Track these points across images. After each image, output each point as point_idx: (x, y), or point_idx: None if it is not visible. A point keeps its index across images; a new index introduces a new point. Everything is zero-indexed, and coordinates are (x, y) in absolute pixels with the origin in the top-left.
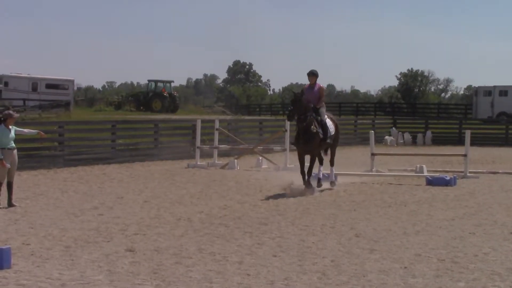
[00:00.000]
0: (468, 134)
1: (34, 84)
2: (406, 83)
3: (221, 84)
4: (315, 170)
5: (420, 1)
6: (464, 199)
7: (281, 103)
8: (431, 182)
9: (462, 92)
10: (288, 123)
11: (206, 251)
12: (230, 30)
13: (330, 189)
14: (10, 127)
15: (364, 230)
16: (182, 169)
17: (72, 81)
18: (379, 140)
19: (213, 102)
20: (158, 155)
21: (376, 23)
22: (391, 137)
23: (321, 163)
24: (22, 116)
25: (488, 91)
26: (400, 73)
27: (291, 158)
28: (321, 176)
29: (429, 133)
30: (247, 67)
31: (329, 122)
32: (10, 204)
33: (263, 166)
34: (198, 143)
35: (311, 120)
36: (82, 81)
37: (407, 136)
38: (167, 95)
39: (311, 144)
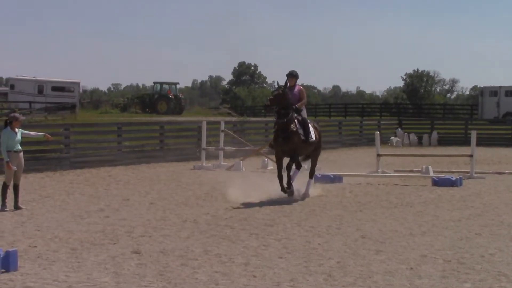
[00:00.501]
0: (474, 134)
1: (40, 87)
2: (412, 84)
3: (226, 86)
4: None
5: (426, 2)
6: (470, 199)
7: None
8: (437, 182)
9: (468, 92)
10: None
11: (212, 252)
12: (236, 31)
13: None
14: (17, 130)
15: (370, 231)
16: (188, 171)
17: (78, 84)
18: (385, 141)
19: (219, 103)
20: (163, 157)
21: (381, 24)
22: (397, 138)
23: (297, 167)
24: (29, 118)
25: (494, 92)
26: (406, 74)
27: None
28: (294, 179)
29: (435, 134)
30: (252, 68)
31: (311, 128)
32: (16, 207)
33: (268, 168)
34: (203, 144)
35: (291, 118)
36: (87, 83)
37: (413, 136)
38: (173, 97)
39: (291, 144)
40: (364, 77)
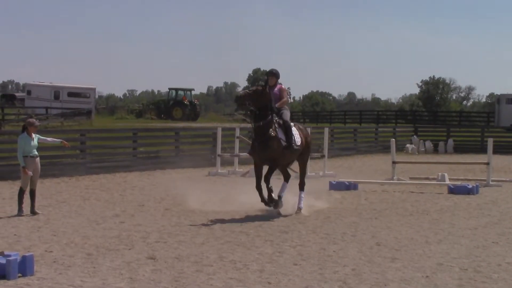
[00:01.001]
0: (490, 142)
1: (56, 93)
2: (428, 91)
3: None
4: (279, 184)
5: (442, 9)
6: (487, 207)
7: (301, 111)
8: (453, 190)
9: (484, 100)
10: (308, 129)
11: (227, 259)
12: (250, 38)
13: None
14: (33, 135)
15: (385, 238)
16: (203, 177)
17: (93, 89)
18: (400, 148)
19: (234, 110)
20: (179, 163)
21: (397, 31)
22: (412, 145)
23: (286, 179)
24: (45, 124)
25: (511, 99)
26: (422, 81)
27: (312, 166)
28: (282, 194)
29: (450, 141)
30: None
31: (295, 132)
32: (33, 212)
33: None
34: (218, 151)
35: (270, 121)
36: (103, 89)
37: (429, 144)
38: (188, 103)
39: (270, 151)
40: (379, 84)
